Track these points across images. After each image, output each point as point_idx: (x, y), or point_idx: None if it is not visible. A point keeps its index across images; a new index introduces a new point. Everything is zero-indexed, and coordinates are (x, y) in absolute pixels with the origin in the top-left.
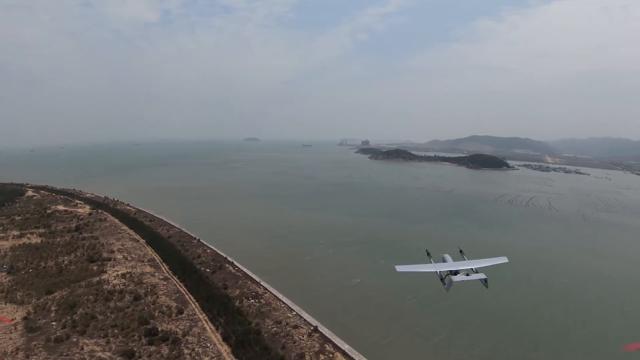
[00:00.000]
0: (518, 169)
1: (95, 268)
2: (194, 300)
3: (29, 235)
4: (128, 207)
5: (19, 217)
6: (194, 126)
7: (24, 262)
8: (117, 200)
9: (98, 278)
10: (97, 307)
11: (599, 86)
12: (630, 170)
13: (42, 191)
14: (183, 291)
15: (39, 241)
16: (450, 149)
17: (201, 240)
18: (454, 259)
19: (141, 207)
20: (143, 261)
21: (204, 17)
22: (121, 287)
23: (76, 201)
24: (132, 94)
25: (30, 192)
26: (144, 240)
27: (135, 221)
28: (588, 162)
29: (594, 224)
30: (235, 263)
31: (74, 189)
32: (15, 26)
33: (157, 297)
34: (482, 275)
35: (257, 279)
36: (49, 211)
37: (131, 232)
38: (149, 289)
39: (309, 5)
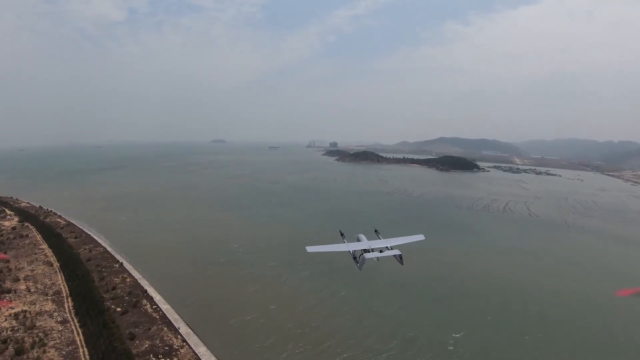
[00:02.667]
0: (489, 171)
1: None
2: (88, 358)
3: None
4: (59, 220)
5: None
6: (159, 128)
7: None
8: (50, 211)
9: None
10: None
11: (563, 88)
12: (600, 171)
13: None
14: (78, 342)
15: None
16: (419, 151)
17: (124, 265)
18: (369, 239)
19: (74, 219)
20: (47, 294)
21: (171, 16)
22: (8, 333)
23: (7, 211)
24: (97, 94)
25: None
26: (58, 264)
27: (58, 238)
28: (556, 163)
29: (580, 232)
30: (156, 298)
31: (11, 197)
32: None
33: (45, 352)
34: (396, 252)
35: (177, 325)
36: None
37: (49, 252)
38: (39, 339)
39: (278, 6)
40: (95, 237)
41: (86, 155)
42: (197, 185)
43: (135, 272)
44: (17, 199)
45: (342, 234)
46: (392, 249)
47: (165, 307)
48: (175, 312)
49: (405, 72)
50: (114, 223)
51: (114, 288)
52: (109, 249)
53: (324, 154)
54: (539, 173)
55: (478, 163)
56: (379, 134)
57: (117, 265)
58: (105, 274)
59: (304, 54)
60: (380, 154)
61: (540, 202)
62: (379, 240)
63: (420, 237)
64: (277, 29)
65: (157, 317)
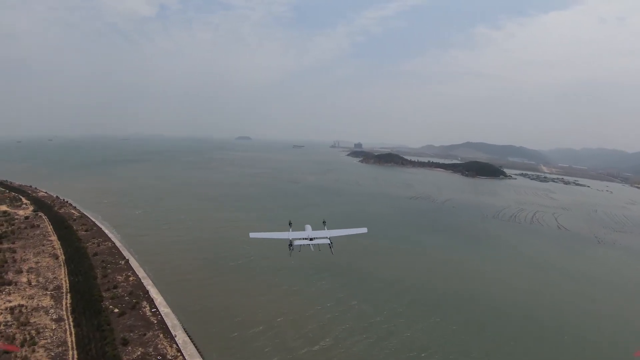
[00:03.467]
0: (515, 179)
1: None
2: None
3: None
4: (73, 211)
5: None
6: (185, 123)
7: None
8: (66, 202)
9: None
10: None
11: (593, 96)
12: (629, 183)
13: None
14: (69, 344)
15: None
16: (444, 155)
17: (130, 262)
18: (315, 229)
19: (88, 211)
20: (47, 289)
21: (202, 13)
22: (1, 328)
23: (23, 200)
24: (126, 88)
25: None
26: (64, 257)
27: (69, 230)
28: (584, 172)
29: (611, 248)
30: (157, 300)
31: (30, 186)
32: (9, 16)
33: (34, 352)
34: (325, 240)
35: (174, 332)
36: None
37: (57, 244)
38: (30, 336)
39: (307, 6)
40: (106, 231)
41: (111, 147)
42: (216, 182)
43: (141, 270)
44: (35, 188)
45: (290, 223)
46: (330, 238)
47: (165, 310)
48: (176, 317)
49: (432, 75)
50: (128, 217)
51: (115, 287)
52: (117, 244)
53: (348, 155)
54: (567, 183)
55: (504, 170)
56: (404, 137)
57: (123, 262)
58: (109, 270)
59: (331, 55)
60: (405, 157)
61: (568, 213)
62: (322, 230)
63: (364, 230)
64: (306, 29)
65: (155, 321)
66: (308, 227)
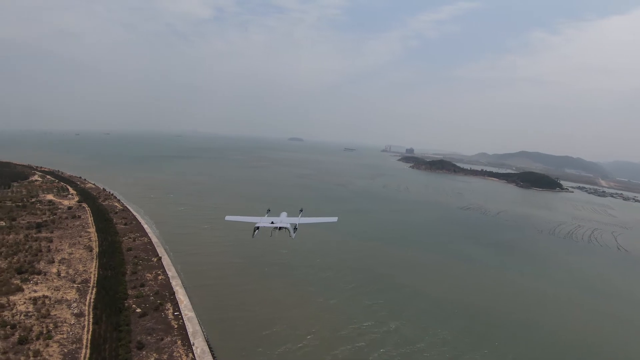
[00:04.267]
0: (572, 192)
1: (16, 283)
2: None
3: None
4: (116, 203)
5: None
6: (239, 122)
7: None
8: (111, 194)
9: (7, 299)
10: None
11: None
12: None
13: (48, 176)
14: (84, 342)
15: None
16: (498, 164)
17: (162, 260)
18: (290, 216)
19: (131, 204)
20: (75, 281)
21: (257, 16)
22: (21, 317)
23: (70, 191)
24: (182, 87)
25: (36, 177)
26: (97, 250)
27: (108, 223)
28: None
29: None
30: (182, 303)
31: (80, 177)
32: (71, 16)
33: (47, 346)
34: (286, 225)
35: (192, 340)
36: (33, 200)
37: (94, 236)
38: (47, 330)
39: (361, 9)
40: (145, 226)
41: (165, 143)
42: (263, 182)
43: (172, 269)
44: (84, 179)
45: (268, 210)
46: (292, 225)
47: (189, 315)
48: (198, 322)
49: (488, 81)
50: (170, 213)
51: (142, 285)
52: (154, 240)
53: (399, 160)
54: (627, 199)
55: (561, 182)
56: (457, 143)
57: (155, 260)
58: (140, 267)
59: (385, 58)
60: (457, 164)
61: (629, 233)
62: (294, 218)
63: (334, 219)
64: (360, 33)
65: (176, 325)
66: (283, 214)
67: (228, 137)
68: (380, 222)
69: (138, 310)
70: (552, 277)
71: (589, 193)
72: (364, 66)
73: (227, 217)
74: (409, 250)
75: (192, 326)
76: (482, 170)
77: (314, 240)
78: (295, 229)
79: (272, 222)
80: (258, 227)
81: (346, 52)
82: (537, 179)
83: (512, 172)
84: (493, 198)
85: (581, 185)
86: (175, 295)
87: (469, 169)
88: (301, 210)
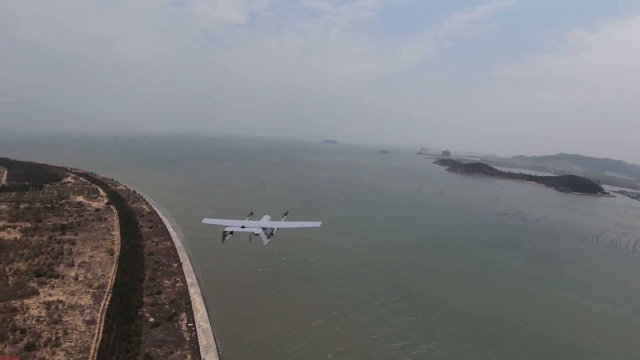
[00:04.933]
0: (614, 196)
1: (33, 286)
2: None
3: (10, 229)
4: (144, 206)
5: (24, 206)
6: (274, 125)
7: None
8: (140, 196)
9: (21, 302)
10: None
11: None
12: None
13: (81, 178)
14: (92, 351)
15: (16, 237)
16: (536, 167)
17: (182, 266)
18: (273, 219)
19: (160, 207)
20: (91, 286)
21: (290, 20)
22: (32, 322)
23: (100, 192)
24: (218, 91)
25: (69, 178)
26: (118, 254)
27: (134, 226)
28: None
29: None
30: (199, 313)
31: (112, 179)
32: (109, 22)
33: (54, 354)
34: (257, 230)
35: (203, 355)
36: (63, 201)
37: (118, 239)
38: (55, 337)
39: (394, 11)
40: (170, 230)
41: (201, 146)
42: (295, 185)
43: (192, 276)
44: (116, 181)
45: (251, 213)
46: (272, 229)
47: (204, 326)
48: (213, 335)
49: (524, 82)
50: (197, 217)
51: (159, 292)
52: (177, 244)
53: (435, 162)
54: None
55: (602, 186)
56: (493, 145)
57: (176, 266)
58: (159, 273)
59: (419, 60)
60: (494, 167)
61: None
62: (275, 222)
63: (317, 224)
64: (394, 34)
65: (188, 338)
66: (265, 217)
67: (262, 139)
68: (414, 228)
69: (151, 319)
70: (602, 294)
71: (632, 197)
72: (398, 68)
73: (205, 220)
74: (444, 260)
75: (206, 339)
76: (520, 173)
77: (343, 249)
78: (271, 234)
79: (243, 227)
80: (232, 232)
81: (380, 53)
82: (577, 182)
83: (551, 175)
84: (532, 203)
85: (623, 189)
86: (192, 304)
87: (506, 172)
88: (286, 214)
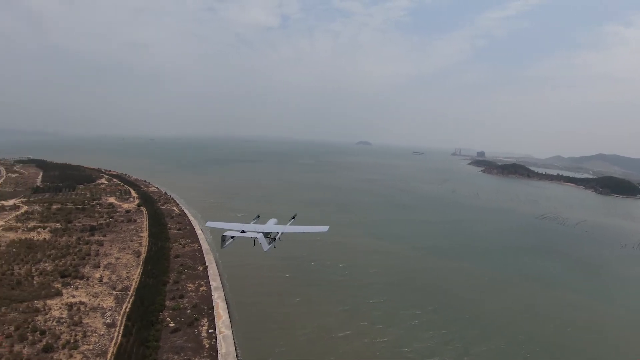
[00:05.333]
0: None
1: (57, 287)
2: None
3: (40, 229)
4: (174, 207)
5: (56, 207)
6: (307, 127)
7: (2, 262)
8: (171, 198)
9: (44, 303)
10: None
11: None
12: None
13: (114, 179)
14: (108, 355)
15: (46, 237)
16: (573, 168)
17: (207, 270)
18: (280, 223)
19: (190, 208)
20: (115, 288)
21: (322, 21)
22: (53, 323)
23: (132, 194)
24: (252, 93)
25: (103, 180)
26: (144, 256)
27: (162, 228)
28: None
29: None
30: (220, 319)
31: (145, 180)
32: (142, 28)
33: (71, 357)
34: (256, 235)
35: None
36: (94, 203)
37: (145, 241)
38: (74, 340)
39: (426, 10)
40: (199, 232)
41: (236, 148)
42: (327, 186)
43: (217, 279)
44: (148, 183)
45: (257, 216)
46: (277, 234)
47: (225, 333)
48: (234, 342)
49: (560, 80)
50: (226, 218)
51: (182, 296)
52: (204, 247)
53: (470, 164)
54: None
55: None
56: (529, 146)
57: (201, 269)
58: (183, 276)
59: (453, 59)
60: (531, 168)
61: None
62: (280, 226)
63: (324, 228)
64: (426, 34)
65: (207, 345)
66: (271, 220)
67: (297, 141)
68: (449, 232)
69: (172, 324)
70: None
71: None
72: (431, 68)
73: (208, 223)
74: (480, 267)
75: (226, 346)
76: (557, 174)
77: (374, 254)
78: (273, 239)
79: (243, 231)
80: (233, 237)
81: (412, 54)
82: (616, 184)
83: (590, 176)
84: (571, 205)
85: None
86: (214, 309)
87: (543, 173)
88: (293, 217)
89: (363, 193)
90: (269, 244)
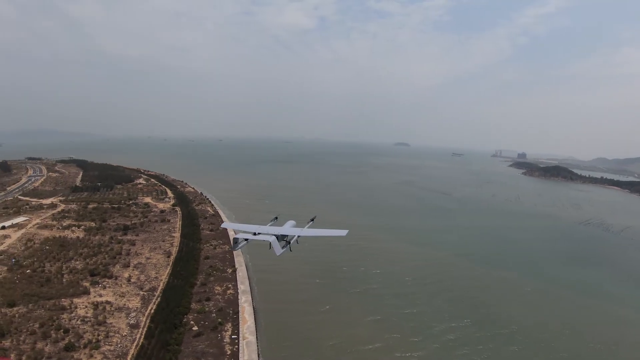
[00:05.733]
0: None
1: (85, 285)
2: None
3: (75, 228)
4: (209, 208)
5: (92, 206)
6: (345, 128)
7: (34, 259)
8: (207, 198)
9: (71, 301)
10: (22, 345)
11: None
12: None
13: (152, 180)
14: (129, 357)
15: (80, 236)
16: (618, 170)
17: (236, 273)
18: (299, 226)
19: (225, 209)
20: (142, 288)
21: (359, 22)
22: (77, 322)
23: (169, 194)
24: (289, 95)
25: (141, 180)
26: (175, 257)
27: (195, 228)
28: None
29: None
30: (245, 324)
31: (182, 181)
32: (184, 33)
33: (91, 357)
34: (270, 238)
35: None
36: (130, 202)
37: (177, 241)
38: (96, 340)
39: (465, 8)
40: (231, 233)
41: (274, 149)
42: (362, 187)
43: (246, 282)
44: (185, 183)
45: (275, 218)
46: (294, 237)
47: (248, 339)
48: (257, 349)
49: (603, 78)
50: (260, 219)
51: (208, 299)
52: (236, 249)
53: (510, 166)
54: None
55: None
56: (572, 147)
57: (230, 271)
58: (212, 278)
59: (492, 58)
60: (573, 171)
61: None
62: (298, 228)
63: (343, 232)
64: (464, 32)
65: (229, 352)
66: (289, 223)
67: (334, 143)
68: (489, 238)
69: (195, 328)
70: None
71: None
72: (470, 67)
73: (224, 225)
74: (522, 277)
75: (249, 353)
76: (601, 177)
77: (410, 261)
78: (289, 242)
79: (256, 233)
80: (246, 240)
81: (451, 53)
82: None
83: (635, 179)
84: (614, 211)
85: None
86: (240, 314)
87: (587, 176)
88: (312, 220)
89: (399, 196)
90: (283, 247)
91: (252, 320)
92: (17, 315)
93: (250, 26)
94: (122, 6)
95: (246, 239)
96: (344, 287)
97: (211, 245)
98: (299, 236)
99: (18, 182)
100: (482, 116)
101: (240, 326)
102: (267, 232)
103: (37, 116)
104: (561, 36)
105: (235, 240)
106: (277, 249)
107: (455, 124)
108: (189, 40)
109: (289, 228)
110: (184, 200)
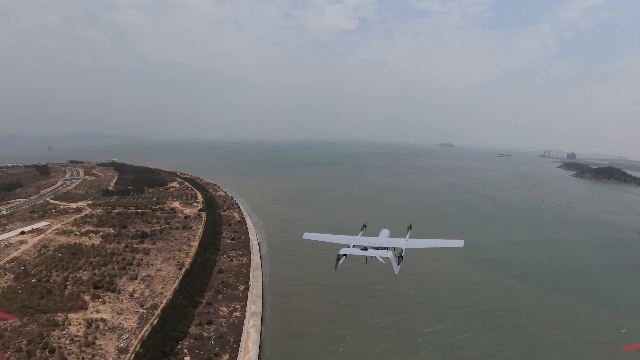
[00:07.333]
0: None
1: (86, 299)
2: None
3: (92, 234)
4: (236, 214)
5: (117, 210)
6: (387, 129)
7: (43, 267)
8: (236, 203)
9: (66, 316)
10: None
11: None
12: None
13: (186, 183)
14: None
15: (95, 243)
16: None
17: (248, 291)
18: (394, 236)
19: (253, 215)
20: (143, 305)
21: (400, 22)
22: (66, 341)
23: (198, 198)
24: (331, 97)
25: (175, 183)
26: (187, 269)
27: (216, 236)
28: None
29: None
30: (248, 356)
31: (215, 184)
32: (225, 37)
33: None
34: (386, 253)
35: None
36: (157, 207)
37: (192, 252)
38: None
39: (506, 4)
40: (254, 242)
41: (315, 151)
42: (403, 190)
43: (258, 302)
44: (218, 187)
45: (364, 226)
46: (397, 250)
47: None
48: None
49: None
50: (288, 228)
51: (209, 322)
52: (255, 260)
53: (560, 167)
54: None
55: None
56: (624, 147)
57: (242, 288)
58: (220, 296)
59: (537, 54)
60: (627, 172)
61: None
62: (398, 239)
63: (459, 242)
64: (507, 28)
65: None
66: (384, 232)
67: (376, 144)
68: (545, 252)
69: (186, 358)
70: None
71: None
72: (514, 65)
73: (306, 235)
74: (577, 299)
75: None
76: None
77: (451, 281)
78: (400, 256)
79: (365, 248)
80: (345, 255)
81: (494, 51)
82: None
83: None
84: None
85: None
86: (243, 342)
87: None
88: (409, 228)
89: (444, 200)
90: (398, 264)
91: (256, 351)
92: (9, 329)
93: (291, 29)
94: (163, 13)
95: (345, 254)
96: (372, 315)
97: (228, 256)
98: (405, 249)
99: (53, 185)
100: (528, 115)
101: (240, 358)
102: (368, 244)
103: (85, 121)
104: (609, 29)
105: (338, 258)
106: (395, 267)
107: (501, 123)
108: (229, 45)
109: (390, 239)
110: (211, 205)
